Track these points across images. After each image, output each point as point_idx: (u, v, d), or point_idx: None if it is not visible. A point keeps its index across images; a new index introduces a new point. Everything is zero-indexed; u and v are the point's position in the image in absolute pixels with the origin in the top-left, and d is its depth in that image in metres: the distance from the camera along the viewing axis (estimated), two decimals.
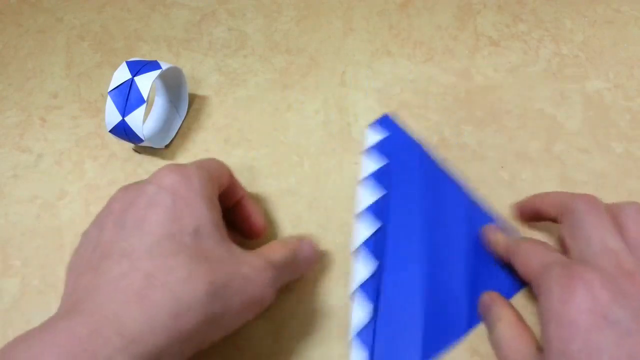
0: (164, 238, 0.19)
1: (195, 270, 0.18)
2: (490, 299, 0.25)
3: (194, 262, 0.19)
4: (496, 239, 0.27)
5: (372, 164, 0.31)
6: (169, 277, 0.18)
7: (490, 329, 0.24)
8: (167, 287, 0.18)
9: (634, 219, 0.22)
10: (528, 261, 0.23)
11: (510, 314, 0.24)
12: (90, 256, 0.20)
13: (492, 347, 0.24)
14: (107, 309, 0.17)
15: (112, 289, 0.18)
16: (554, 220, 0.25)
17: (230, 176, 0.25)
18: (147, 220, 0.20)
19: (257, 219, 0.27)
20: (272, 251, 0.23)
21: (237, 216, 0.27)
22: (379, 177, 0.31)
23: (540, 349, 0.21)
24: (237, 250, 0.21)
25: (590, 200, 0.23)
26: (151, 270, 0.18)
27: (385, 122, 0.33)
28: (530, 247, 0.24)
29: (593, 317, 0.18)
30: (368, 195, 0.30)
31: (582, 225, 0.22)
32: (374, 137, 0.33)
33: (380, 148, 0.32)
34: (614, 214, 0.22)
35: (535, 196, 0.27)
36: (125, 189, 0.22)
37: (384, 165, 0.31)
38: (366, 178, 0.31)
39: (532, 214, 0.27)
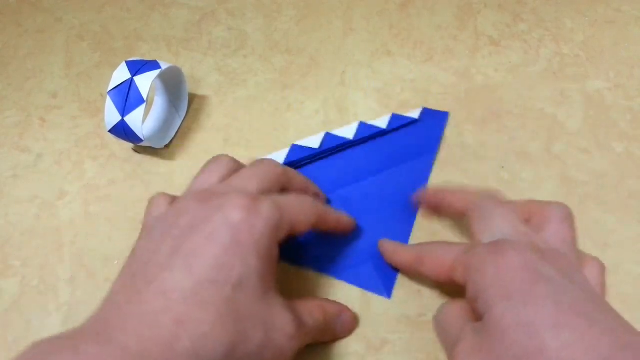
0: (205, 283, 0.19)
1: (221, 329, 0.19)
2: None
3: (222, 319, 0.19)
4: (397, 249, 0.27)
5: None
6: (195, 331, 0.18)
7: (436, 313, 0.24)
8: (190, 341, 0.18)
9: (556, 216, 0.23)
10: (442, 258, 0.23)
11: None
12: (141, 269, 0.20)
13: (434, 327, 0.24)
14: (135, 345, 0.18)
15: (144, 325, 0.18)
16: (458, 214, 0.25)
17: (316, 221, 0.24)
18: (199, 257, 0.20)
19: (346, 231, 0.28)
20: (310, 313, 0.23)
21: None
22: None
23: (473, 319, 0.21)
24: (276, 306, 0.21)
25: (496, 195, 0.25)
26: (181, 317, 0.18)
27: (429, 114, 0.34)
28: (439, 245, 0.24)
29: (528, 273, 0.19)
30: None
31: (491, 214, 0.23)
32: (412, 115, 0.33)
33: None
34: (533, 209, 0.23)
35: (445, 189, 0.28)
36: (201, 203, 0.22)
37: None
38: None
39: (437, 205, 0.27)
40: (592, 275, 0.21)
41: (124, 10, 0.41)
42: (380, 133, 0.32)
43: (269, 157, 0.31)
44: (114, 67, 0.36)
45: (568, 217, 0.23)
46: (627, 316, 0.27)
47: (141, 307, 0.19)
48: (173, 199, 0.25)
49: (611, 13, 0.39)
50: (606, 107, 0.34)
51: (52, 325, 0.27)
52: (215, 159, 0.26)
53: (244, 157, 0.33)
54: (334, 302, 0.26)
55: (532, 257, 0.20)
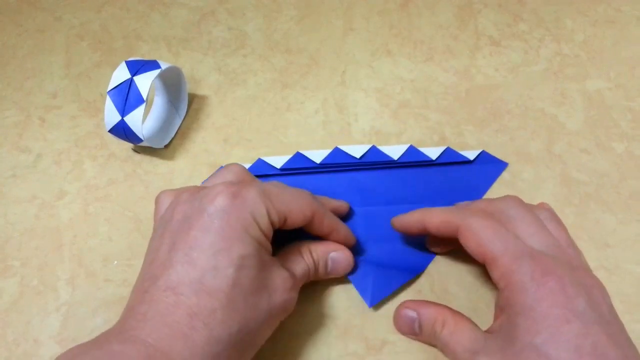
0: (208, 271, 0.20)
1: (232, 312, 0.20)
2: (412, 309, 0.25)
3: (232, 302, 0.20)
4: (428, 214, 0.25)
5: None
6: (210, 319, 0.19)
7: (433, 336, 0.24)
8: (208, 328, 0.19)
9: (550, 220, 0.24)
10: (486, 242, 0.22)
11: (444, 312, 0.24)
12: (146, 269, 0.22)
13: (440, 348, 0.24)
14: (157, 342, 0.19)
15: (160, 322, 0.19)
16: None
17: (311, 216, 0.24)
18: (196, 248, 0.21)
19: (345, 246, 0.27)
20: (298, 261, 0.25)
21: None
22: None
23: (480, 330, 0.22)
24: (272, 270, 0.22)
25: (517, 199, 0.25)
26: (194, 309, 0.19)
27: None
28: (484, 225, 0.23)
29: (564, 311, 0.19)
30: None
31: (520, 220, 0.23)
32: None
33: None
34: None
35: (457, 209, 0.26)
36: (191, 195, 0.23)
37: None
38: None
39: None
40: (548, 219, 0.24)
41: (123, 10, 0.41)
42: (427, 162, 0.31)
43: (309, 153, 0.31)
44: (114, 67, 0.36)
45: (557, 218, 0.24)
46: (626, 317, 0.27)
47: (153, 305, 0.20)
48: (176, 195, 0.25)
49: (611, 13, 0.39)
50: (606, 107, 0.34)
51: (52, 325, 0.27)
52: (226, 166, 0.26)
53: (243, 157, 0.33)
54: (323, 242, 0.26)
55: (570, 290, 0.20)
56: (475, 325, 0.23)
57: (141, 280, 0.21)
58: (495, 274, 0.22)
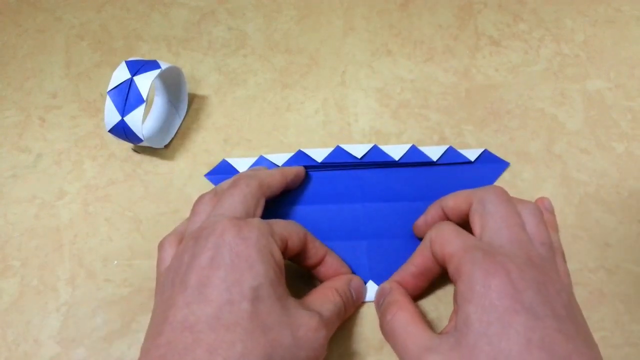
0: (223, 306, 0.20)
1: (252, 345, 0.19)
2: (388, 287, 0.25)
3: (250, 336, 0.20)
4: (410, 261, 0.26)
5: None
6: (230, 352, 0.19)
7: (386, 312, 0.24)
8: None
9: (532, 216, 0.24)
10: (447, 243, 0.23)
11: (407, 301, 0.24)
12: (162, 315, 0.21)
13: (386, 334, 0.23)
14: None
15: None
16: (464, 216, 0.25)
17: (305, 239, 0.25)
18: (208, 284, 0.20)
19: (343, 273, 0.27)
20: (324, 302, 0.24)
21: (322, 273, 0.27)
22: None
23: (433, 332, 0.22)
24: (293, 308, 0.22)
25: (501, 192, 0.24)
26: (212, 344, 0.19)
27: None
28: (447, 230, 0.24)
29: (511, 302, 0.20)
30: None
31: (493, 215, 0.23)
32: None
33: None
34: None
35: (444, 197, 0.27)
36: (195, 239, 0.23)
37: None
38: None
39: (442, 217, 0.27)
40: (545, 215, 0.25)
41: (123, 10, 0.41)
42: (428, 163, 0.31)
43: (311, 151, 0.32)
44: (114, 67, 0.36)
45: (540, 215, 0.24)
46: (626, 317, 0.27)
47: (171, 347, 0.19)
48: (179, 240, 0.25)
49: (611, 13, 0.39)
50: (606, 107, 0.34)
51: (52, 325, 0.27)
52: (198, 200, 0.26)
53: (243, 157, 0.33)
54: (338, 277, 0.26)
55: (519, 283, 0.20)
56: (431, 327, 0.23)
57: (155, 327, 0.21)
58: (450, 269, 0.22)
